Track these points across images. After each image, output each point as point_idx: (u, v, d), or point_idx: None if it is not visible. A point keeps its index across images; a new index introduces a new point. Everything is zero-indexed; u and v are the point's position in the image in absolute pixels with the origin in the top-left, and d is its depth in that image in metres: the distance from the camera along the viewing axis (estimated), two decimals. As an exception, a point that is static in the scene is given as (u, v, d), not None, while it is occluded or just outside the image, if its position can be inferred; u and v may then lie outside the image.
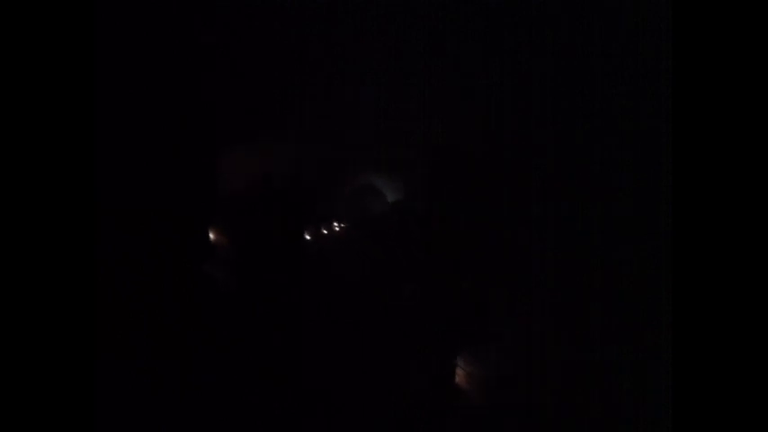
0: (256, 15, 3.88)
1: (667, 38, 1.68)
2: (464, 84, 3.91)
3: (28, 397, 1.26)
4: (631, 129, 2.12)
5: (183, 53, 4.75)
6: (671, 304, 1.38)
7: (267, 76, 5.58)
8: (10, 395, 1.23)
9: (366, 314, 9.10)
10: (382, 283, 11.48)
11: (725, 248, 1.29)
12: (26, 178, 1.32)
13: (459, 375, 4.68)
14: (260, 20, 3.97)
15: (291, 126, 8.57)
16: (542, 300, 2.92)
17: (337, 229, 22.56)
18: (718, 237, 1.30)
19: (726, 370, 1.24)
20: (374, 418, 5.04)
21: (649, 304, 1.97)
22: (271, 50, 4.75)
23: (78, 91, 1.42)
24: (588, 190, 2.44)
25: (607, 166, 2.30)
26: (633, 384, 2.08)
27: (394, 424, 4.95)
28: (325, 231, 19.05)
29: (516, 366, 3.28)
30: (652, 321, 1.94)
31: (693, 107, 1.37)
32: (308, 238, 15.66)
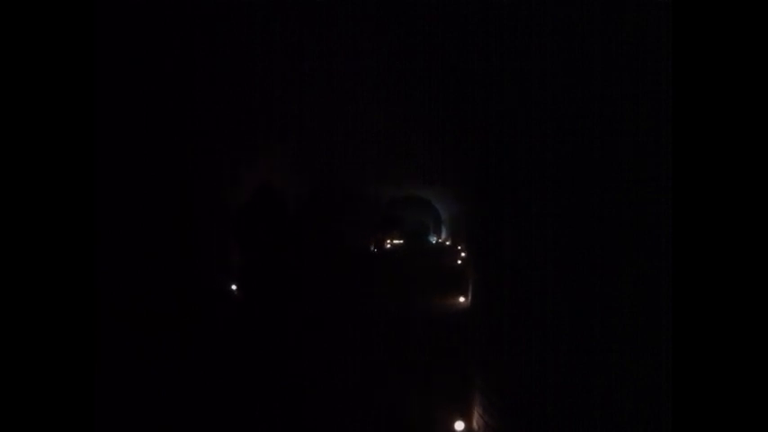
0: (270, 20, 3.87)
1: (667, 38, 1.68)
2: (463, 84, 3.91)
3: (28, 397, 1.26)
4: (632, 129, 2.12)
5: (189, 58, 4.75)
6: (671, 304, 1.38)
7: (275, 84, 5.56)
8: (10, 395, 1.23)
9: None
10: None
11: (725, 249, 1.29)
12: (26, 178, 1.32)
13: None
14: (273, 24, 3.96)
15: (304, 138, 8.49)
16: (541, 300, 2.91)
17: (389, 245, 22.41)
18: (719, 237, 1.30)
19: (726, 370, 1.24)
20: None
21: (649, 304, 1.97)
22: (280, 59, 4.72)
23: (78, 93, 1.42)
24: (588, 190, 2.43)
25: (607, 166, 2.29)
26: (633, 384, 2.08)
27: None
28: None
29: (517, 368, 3.28)
30: (652, 321, 1.93)
31: (694, 107, 1.36)
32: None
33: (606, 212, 2.27)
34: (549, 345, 2.82)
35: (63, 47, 1.38)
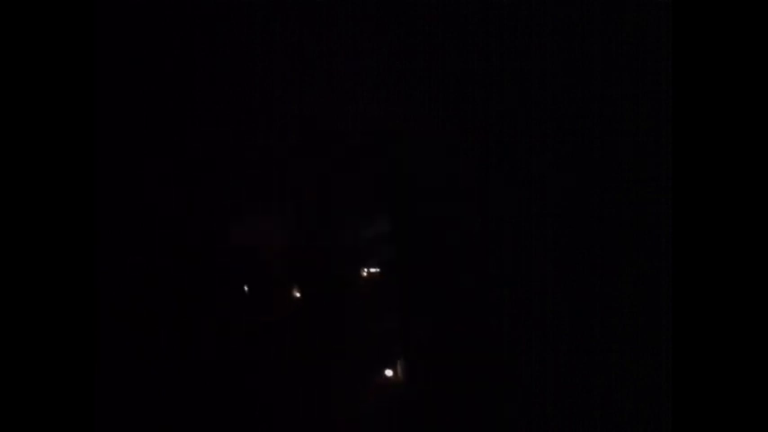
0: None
1: (667, 38, 1.68)
2: (463, 85, 3.91)
3: (28, 396, 1.26)
4: (632, 129, 2.12)
5: (189, 58, 4.74)
6: (671, 304, 1.38)
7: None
8: (10, 395, 1.23)
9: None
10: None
11: (725, 249, 1.29)
12: (27, 178, 1.32)
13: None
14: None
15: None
16: (541, 300, 2.91)
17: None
18: (719, 237, 1.30)
19: (726, 370, 1.24)
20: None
21: (649, 304, 1.97)
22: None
23: (79, 93, 1.42)
24: (588, 190, 2.43)
25: (607, 166, 2.29)
26: (633, 384, 2.08)
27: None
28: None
29: (517, 368, 3.28)
30: (652, 321, 1.94)
31: (693, 107, 1.36)
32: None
33: (606, 212, 2.27)
34: (549, 345, 2.82)
35: (63, 46, 1.38)
